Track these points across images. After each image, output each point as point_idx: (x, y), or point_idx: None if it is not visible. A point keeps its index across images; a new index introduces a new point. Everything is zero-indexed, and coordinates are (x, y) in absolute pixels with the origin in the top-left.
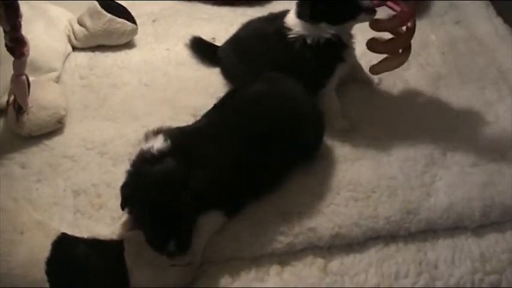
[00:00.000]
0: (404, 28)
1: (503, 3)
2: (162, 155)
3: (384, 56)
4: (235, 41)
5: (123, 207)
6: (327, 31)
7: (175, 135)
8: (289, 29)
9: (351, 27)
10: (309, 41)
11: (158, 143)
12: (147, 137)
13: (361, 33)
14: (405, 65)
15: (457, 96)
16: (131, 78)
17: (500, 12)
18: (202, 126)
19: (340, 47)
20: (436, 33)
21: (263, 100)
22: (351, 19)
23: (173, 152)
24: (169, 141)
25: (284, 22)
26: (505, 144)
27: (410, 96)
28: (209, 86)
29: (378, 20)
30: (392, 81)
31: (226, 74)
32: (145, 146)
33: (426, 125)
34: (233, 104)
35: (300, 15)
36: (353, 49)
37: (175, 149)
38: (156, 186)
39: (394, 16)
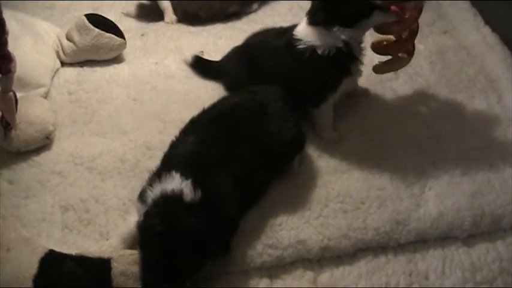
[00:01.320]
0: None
1: (491, 12)
2: (192, 205)
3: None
4: (241, 52)
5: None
6: (339, 37)
7: (190, 169)
8: (299, 40)
9: (363, 32)
10: (319, 51)
11: (182, 186)
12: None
13: None
14: (394, 75)
15: (446, 105)
16: (120, 92)
17: (488, 21)
18: (202, 150)
19: (349, 60)
20: (425, 43)
21: (239, 112)
22: (364, 18)
23: (200, 201)
24: (191, 184)
25: (294, 34)
26: (494, 153)
27: (399, 107)
28: (198, 99)
29: (383, 24)
30: (381, 92)
31: (229, 86)
32: (167, 186)
33: (415, 135)
34: (213, 117)
35: (312, 21)
36: (361, 64)
37: (200, 193)
38: (187, 242)
39: (400, 19)
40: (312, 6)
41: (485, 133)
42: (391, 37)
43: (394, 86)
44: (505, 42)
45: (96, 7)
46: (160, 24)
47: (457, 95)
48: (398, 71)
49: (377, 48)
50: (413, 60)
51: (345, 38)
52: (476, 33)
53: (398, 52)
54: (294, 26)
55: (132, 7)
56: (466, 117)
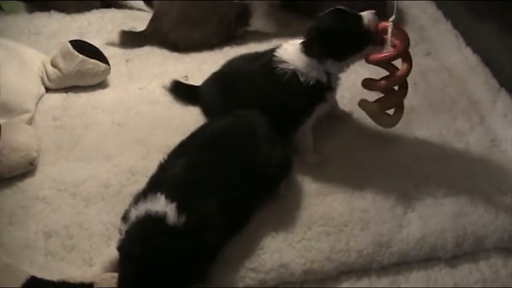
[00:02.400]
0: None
1: (472, 34)
2: (174, 229)
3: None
4: (218, 77)
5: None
6: (326, 70)
7: (176, 193)
8: (281, 62)
9: (353, 63)
10: (301, 78)
11: (166, 208)
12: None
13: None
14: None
15: (428, 127)
16: (104, 118)
17: (469, 43)
18: (190, 174)
19: (326, 89)
20: None
21: (228, 136)
22: (359, 51)
23: (183, 226)
24: (175, 208)
25: (275, 56)
26: (476, 174)
27: (382, 129)
28: (182, 124)
29: (374, 55)
30: (364, 114)
31: (207, 111)
32: (152, 207)
33: (398, 157)
34: (203, 141)
35: (308, 52)
36: (336, 90)
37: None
38: (164, 266)
39: (390, 51)
40: (309, 36)
41: (468, 154)
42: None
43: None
44: (486, 64)
45: (82, 33)
46: (145, 49)
47: (440, 116)
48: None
49: (368, 84)
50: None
51: (333, 71)
52: (458, 54)
53: (390, 87)
54: (271, 50)
55: (115, 34)
56: (449, 139)
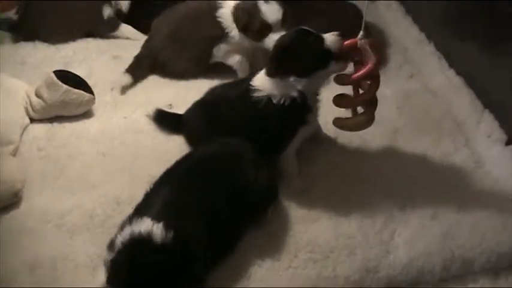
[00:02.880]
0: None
1: (455, 55)
2: (162, 247)
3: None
4: (201, 106)
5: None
6: (295, 87)
7: (162, 215)
8: (256, 90)
9: (320, 83)
10: (274, 101)
11: (153, 228)
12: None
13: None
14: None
15: (413, 149)
16: (89, 148)
17: (452, 65)
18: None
19: (305, 110)
20: (391, 88)
21: (214, 163)
22: (320, 69)
23: (171, 244)
24: (162, 227)
25: (251, 84)
26: (462, 195)
27: (367, 152)
28: (166, 153)
29: (342, 74)
30: (349, 138)
31: (191, 139)
32: (137, 228)
33: (384, 180)
34: (189, 168)
35: (269, 72)
36: (317, 112)
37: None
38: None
39: (359, 68)
40: (270, 57)
41: (453, 176)
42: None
43: (362, 132)
44: (470, 85)
45: (67, 63)
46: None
47: (425, 139)
48: None
49: (339, 101)
50: (381, 105)
51: (300, 88)
52: (442, 76)
53: (361, 105)
54: (250, 77)
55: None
56: (434, 161)
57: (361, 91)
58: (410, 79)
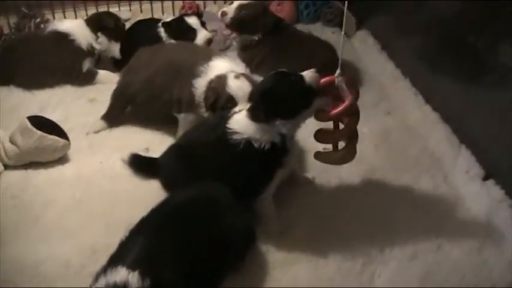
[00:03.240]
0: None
1: (431, 91)
2: None
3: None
4: (176, 150)
5: None
6: (279, 131)
7: (138, 263)
8: (234, 133)
9: (300, 124)
10: (256, 145)
11: (128, 276)
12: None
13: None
14: None
15: (392, 188)
16: (64, 194)
17: (428, 100)
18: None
19: (283, 153)
20: (369, 126)
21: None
22: (306, 108)
23: None
24: (138, 275)
25: (227, 127)
26: (442, 233)
27: (346, 193)
28: (143, 198)
29: (322, 110)
30: (327, 179)
31: (166, 184)
32: (112, 279)
33: (363, 221)
34: (165, 215)
35: (254, 117)
36: (294, 154)
37: None
38: None
39: (337, 104)
40: (252, 101)
41: (432, 213)
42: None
43: (340, 172)
44: (446, 120)
45: (42, 107)
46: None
47: (403, 176)
48: None
49: (319, 136)
50: (359, 144)
51: (284, 131)
52: (418, 112)
53: (341, 139)
54: (225, 118)
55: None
56: (413, 199)
57: (341, 126)
58: (388, 116)
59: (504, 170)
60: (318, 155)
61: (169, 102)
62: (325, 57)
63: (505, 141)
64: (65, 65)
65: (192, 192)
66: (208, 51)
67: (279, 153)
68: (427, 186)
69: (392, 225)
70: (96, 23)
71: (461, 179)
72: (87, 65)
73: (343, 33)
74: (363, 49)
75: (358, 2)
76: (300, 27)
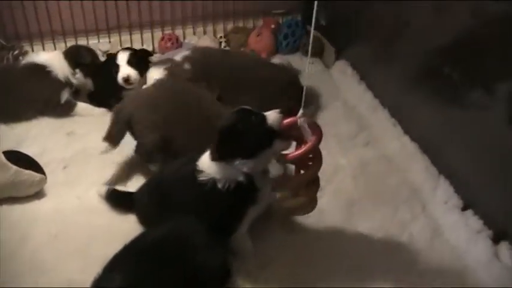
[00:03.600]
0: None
1: (409, 121)
2: None
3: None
4: (150, 186)
5: None
6: (240, 170)
7: None
8: (201, 172)
9: (266, 163)
10: (219, 185)
11: None
12: None
13: None
14: (318, 193)
15: (371, 220)
16: (40, 230)
17: (407, 131)
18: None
19: (252, 190)
20: (347, 157)
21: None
22: (266, 148)
23: None
24: None
25: (197, 165)
26: (421, 266)
27: (324, 227)
28: (121, 233)
29: (282, 153)
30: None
31: (142, 219)
32: None
33: (342, 255)
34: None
35: (214, 157)
36: (268, 189)
37: None
38: None
39: (299, 147)
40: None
41: (412, 245)
42: None
43: (319, 205)
44: (424, 151)
45: (19, 141)
46: (83, 154)
47: (382, 208)
48: (323, 188)
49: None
50: (337, 176)
51: (246, 170)
52: (397, 142)
53: (301, 185)
54: (196, 157)
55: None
56: (392, 231)
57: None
58: (366, 147)
59: (482, 200)
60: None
61: None
62: (291, 93)
63: (483, 172)
64: (43, 97)
65: (166, 228)
66: None
67: (246, 191)
68: (406, 218)
69: (372, 260)
70: (74, 58)
71: (440, 209)
72: (65, 96)
73: (307, 66)
74: (341, 79)
75: (337, 32)
76: (279, 57)
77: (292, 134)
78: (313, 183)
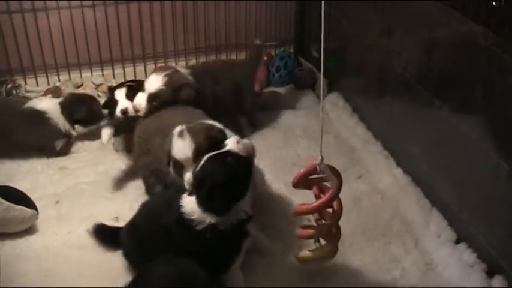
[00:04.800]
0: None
1: (401, 153)
2: None
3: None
4: (133, 227)
5: None
6: (242, 209)
7: None
8: (194, 220)
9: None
10: (221, 227)
11: None
12: None
13: None
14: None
15: (362, 255)
16: (31, 266)
17: (399, 163)
18: None
19: (247, 222)
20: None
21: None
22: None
23: None
24: None
25: (184, 212)
26: None
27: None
28: (111, 271)
29: (302, 204)
30: (296, 250)
31: (127, 256)
32: None
33: None
34: None
35: (211, 210)
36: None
37: None
38: None
39: (318, 199)
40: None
41: (404, 280)
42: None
43: (310, 241)
44: (417, 183)
45: (12, 175)
46: (75, 189)
47: (374, 243)
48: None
49: (300, 234)
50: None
51: (246, 208)
52: (389, 175)
53: (323, 235)
54: (176, 197)
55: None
56: (384, 266)
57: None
58: (358, 180)
59: (476, 233)
60: (300, 258)
61: None
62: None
63: (476, 205)
64: (38, 143)
65: (160, 270)
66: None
67: (242, 226)
68: (399, 252)
69: None
70: (70, 115)
71: (433, 243)
72: (60, 144)
73: (321, 109)
74: (333, 111)
75: (329, 64)
76: (271, 89)
77: (311, 181)
78: (336, 232)
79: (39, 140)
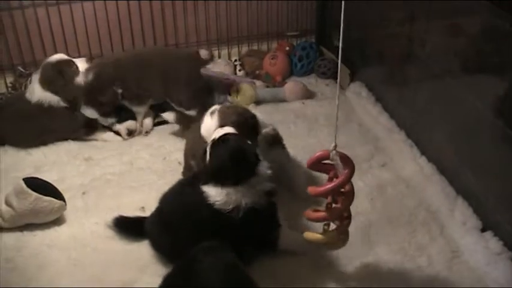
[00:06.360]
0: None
1: (426, 142)
2: None
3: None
4: (160, 216)
5: None
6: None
7: None
8: (219, 203)
9: None
10: (249, 204)
11: None
12: None
13: None
14: None
15: (388, 243)
16: (60, 256)
17: (424, 152)
18: None
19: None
20: (364, 179)
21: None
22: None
23: None
24: None
25: (207, 197)
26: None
27: (342, 250)
28: (138, 259)
29: (314, 186)
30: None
31: (155, 246)
32: None
33: (359, 279)
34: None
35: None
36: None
37: None
38: None
39: (330, 181)
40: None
41: (430, 268)
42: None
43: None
44: (442, 172)
45: (38, 166)
46: (102, 180)
47: (399, 230)
48: None
49: (310, 216)
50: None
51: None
52: (414, 164)
53: (333, 218)
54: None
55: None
56: (410, 253)
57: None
58: (383, 168)
59: (502, 221)
60: (308, 234)
61: None
62: None
63: (502, 192)
64: (61, 124)
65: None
66: None
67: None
68: (424, 240)
69: (390, 281)
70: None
71: (459, 231)
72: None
73: (337, 96)
74: (356, 101)
75: (352, 53)
76: (293, 80)
77: (323, 167)
78: (346, 218)
79: (61, 124)
